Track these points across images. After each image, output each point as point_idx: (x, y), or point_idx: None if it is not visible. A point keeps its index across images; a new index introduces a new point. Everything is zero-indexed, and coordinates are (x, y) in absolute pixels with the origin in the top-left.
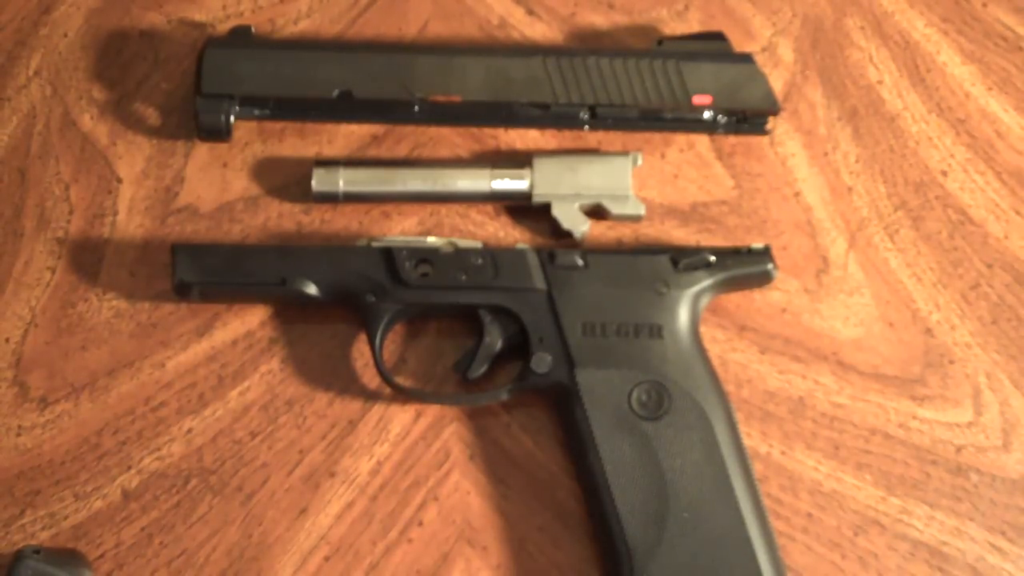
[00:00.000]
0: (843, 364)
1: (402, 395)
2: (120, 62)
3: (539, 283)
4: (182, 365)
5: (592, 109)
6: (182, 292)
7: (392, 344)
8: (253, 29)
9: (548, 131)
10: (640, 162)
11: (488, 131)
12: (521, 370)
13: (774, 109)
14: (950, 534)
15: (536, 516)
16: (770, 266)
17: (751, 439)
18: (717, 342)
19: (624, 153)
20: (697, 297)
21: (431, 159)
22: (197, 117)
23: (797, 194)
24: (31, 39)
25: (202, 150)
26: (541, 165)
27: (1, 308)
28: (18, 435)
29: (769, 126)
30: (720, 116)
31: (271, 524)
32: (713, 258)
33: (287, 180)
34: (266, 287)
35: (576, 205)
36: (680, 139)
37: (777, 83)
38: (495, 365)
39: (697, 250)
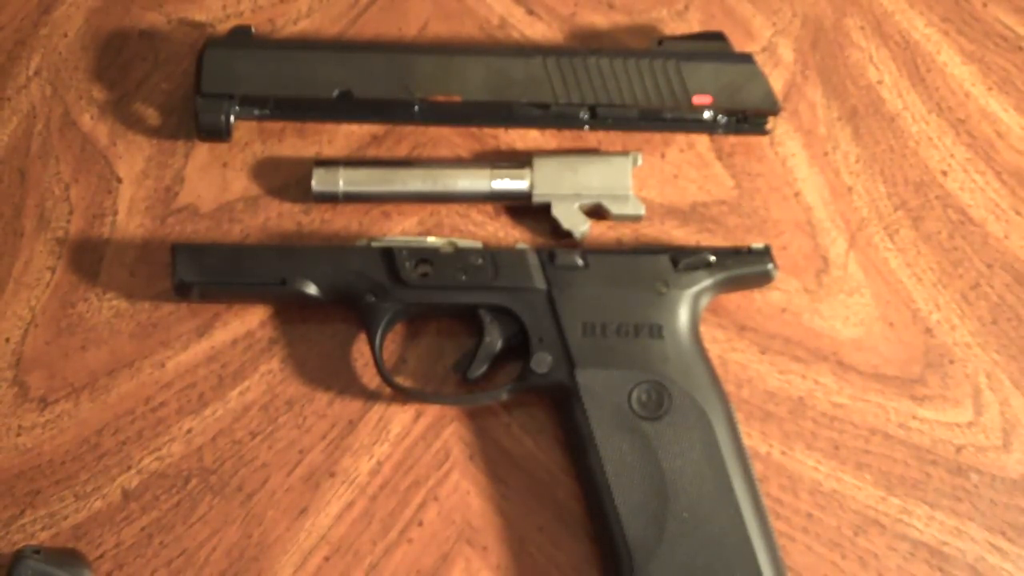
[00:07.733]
0: (843, 364)
1: (402, 395)
2: (120, 62)
3: (539, 283)
4: (182, 365)
5: (592, 109)
6: (182, 292)
7: (392, 344)
8: (253, 29)
9: (548, 131)
10: (640, 162)
11: (488, 131)
12: (521, 370)
13: (774, 109)
14: (950, 534)
15: (536, 516)
16: (770, 266)
17: (751, 439)
18: (717, 342)
19: (624, 153)
20: (697, 297)
21: (431, 159)
22: (197, 117)
23: (797, 194)
24: (31, 39)
25: (202, 150)
26: (541, 165)
27: (1, 308)
28: (18, 435)
29: (769, 126)
30: (720, 116)
31: (271, 524)
32: (713, 258)
33: (287, 180)
34: (266, 287)
35: (576, 205)
36: (680, 139)
37: (777, 83)
38: (495, 365)
39: (697, 250)
